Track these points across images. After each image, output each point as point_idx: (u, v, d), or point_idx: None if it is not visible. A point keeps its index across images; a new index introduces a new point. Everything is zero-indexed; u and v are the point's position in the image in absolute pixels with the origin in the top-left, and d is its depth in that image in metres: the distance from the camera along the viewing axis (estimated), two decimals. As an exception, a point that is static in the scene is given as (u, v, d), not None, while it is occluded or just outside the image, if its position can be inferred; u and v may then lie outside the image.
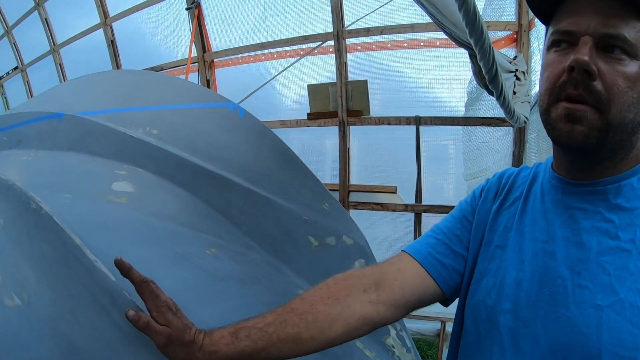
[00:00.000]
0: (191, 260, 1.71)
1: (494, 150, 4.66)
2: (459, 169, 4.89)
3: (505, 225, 1.08)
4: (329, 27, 4.77)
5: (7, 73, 10.21)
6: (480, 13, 4.23)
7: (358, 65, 4.97)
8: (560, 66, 0.88)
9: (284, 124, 5.32)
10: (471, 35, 2.06)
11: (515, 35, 4.37)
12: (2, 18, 9.75)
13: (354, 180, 5.26)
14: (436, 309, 4.87)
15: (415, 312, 4.21)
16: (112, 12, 7.05)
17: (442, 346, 5.03)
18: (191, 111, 2.42)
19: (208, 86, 5.90)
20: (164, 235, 1.87)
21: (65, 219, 1.48)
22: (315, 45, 4.79)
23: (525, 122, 3.61)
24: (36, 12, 8.49)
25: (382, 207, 4.99)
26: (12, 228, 1.59)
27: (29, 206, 1.59)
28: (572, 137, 0.87)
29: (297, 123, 5.27)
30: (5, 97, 10.75)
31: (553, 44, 0.92)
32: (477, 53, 2.28)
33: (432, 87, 4.85)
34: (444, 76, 4.70)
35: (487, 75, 2.50)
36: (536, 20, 4.00)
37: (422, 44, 4.61)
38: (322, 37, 4.81)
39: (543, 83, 0.94)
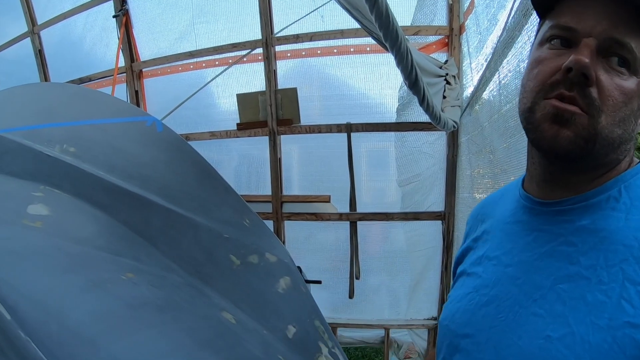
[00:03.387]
0: (105, 287, 1.68)
1: (427, 155, 4.75)
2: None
3: (477, 254, 1.09)
4: (258, 34, 4.79)
5: None
6: (411, 18, 4.31)
7: (289, 73, 5.00)
8: (553, 64, 0.86)
9: (213, 135, 5.31)
10: (385, 39, 2.07)
11: (446, 40, 4.45)
12: None
13: (295, 190, 5.30)
14: (378, 315, 4.91)
15: (358, 321, 4.24)
16: (40, 19, 6.92)
17: (387, 353, 5.12)
18: (110, 126, 2.39)
19: (137, 97, 5.85)
20: (78, 261, 1.85)
21: None
22: (244, 53, 4.84)
23: (454, 127, 3.66)
24: None
25: (317, 217, 5.02)
26: None
27: None
28: (556, 141, 0.83)
29: (227, 134, 5.26)
30: None
31: (549, 40, 0.89)
32: (394, 57, 2.27)
33: (364, 92, 4.91)
34: (375, 82, 4.77)
35: (407, 81, 2.50)
36: (467, 23, 4.09)
37: (352, 49, 4.67)
38: (251, 45, 4.84)
39: (530, 80, 0.90)
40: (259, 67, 4.95)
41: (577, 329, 0.78)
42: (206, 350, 1.65)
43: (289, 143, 5.16)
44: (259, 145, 5.31)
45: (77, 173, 2.24)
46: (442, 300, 4.94)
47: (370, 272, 5.15)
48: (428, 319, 5.07)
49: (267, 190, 5.28)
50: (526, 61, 1.05)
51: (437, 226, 4.82)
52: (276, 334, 1.97)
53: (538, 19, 0.99)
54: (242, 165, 5.72)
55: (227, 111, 5.42)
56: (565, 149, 0.83)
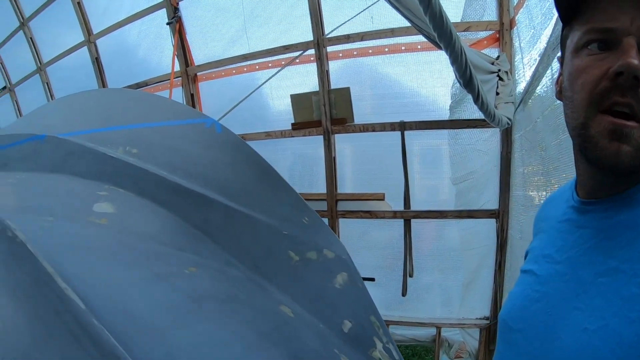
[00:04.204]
0: (169, 280, 1.79)
1: (481, 153, 4.73)
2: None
3: (534, 253, 1.12)
4: (309, 36, 4.88)
5: None
6: (461, 14, 4.31)
7: (341, 73, 5.05)
8: (596, 71, 0.82)
9: (269, 135, 5.43)
10: (440, 39, 2.11)
11: (497, 35, 4.42)
12: (-12, 38, 9.98)
13: (348, 188, 5.34)
14: (430, 314, 4.90)
15: (410, 319, 4.23)
16: (95, 29, 7.24)
17: (438, 352, 5.12)
18: (170, 129, 2.52)
19: (192, 100, 6.04)
20: (143, 255, 1.97)
21: (42, 245, 1.58)
22: (296, 55, 4.92)
23: (508, 124, 3.62)
24: (21, 31, 8.75)
25: (371, 214, 5.07)
26: None
27: (5, 234, 1.71)
28: (618, 157, 0.80)
29: (282, 134, 5.36)
30: None
31: (585, 45, 0.85)
32: (448, 57, 2.31)
33: (416, 90, 4.91)
34: (427, 79, 4.78)
35: (461, 80, 2.53)
36: (517, 17, 4.09)
37: (403, 48, 4.70)
38: (303, 46, 4.93)
39: (576, 92, 0.86)
40: (312, 68, 5.03)
41: (611, 322, 0.78)
42: (266, 341, 1.73)
43: (341, 142, 5.22)
44: (312, 144, 5.41)
45: (140, 173, 2.37)
46: (495, 300, 4.91)
47: (423, 270, 5.16)
48: (480, 319, 5.04)
49: (320, 188, 5.37)
50: (558, 73, 1.02)
51: (491, 224, 4.80)
52: (332, 328, 2.04)
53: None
54: (296, 164, 5.82)
55: (282, 111, 5.52)
56: (627, 164, 0.81)
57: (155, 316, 1.49)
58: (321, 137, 5.16)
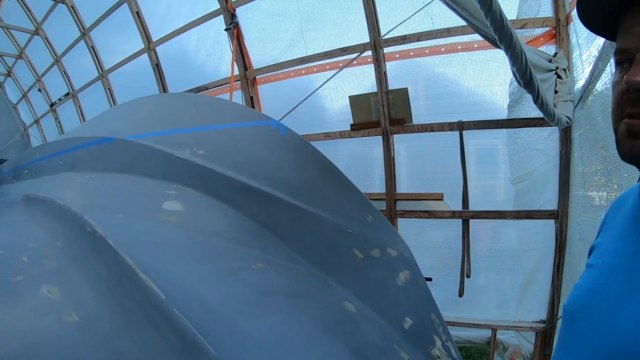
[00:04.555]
0: (238, 275, 1.88)
1: (540, 152, 4.68)
2: (508, 171, 4.97)
3: (600, 248, 1.19)
4: (365, 38, 4.96)
5: (60, 99, 11.14)
6: (515, 11, 4.32)
7: (398, 74, 5.09)
8: (619, 87, 0.93)
9: (328, 136, 5.53)
10: (501, 41, 2.17)
11: (553, 31, 4.38)
12: (51, 48, 10.47)
13: (403, 188, 5.38)
14: (486, 315, 4.88)
15: (465, 320, 4.24)
16: (154, 36, 7.57)
17: (493, 354, 5.09)
18: (235, 130, 2.66)
19: (252, 103, 6.21)
20: (212, 251, 2.09)
21: (118, 240, 1.74)
22: (354, 57, 5.01)
23: (567, 123, 3.61)
24: (82, 41, 9.22)
25: (429, 214, 5.10)
26: (69, 250, 1.86)
27: (84, 229, 1.87)
28: (632, 151, 0.92)
29: (341, 134, 5.45)
30: (59, 122, 11.65)
31: (617, 64, 0.95)
32: (508, 59, 2.35)
33: (473, 90, 4.92)
34: (484, 78, 4.77)
35: (521, 80, 2.56)
36: (574, 13, 4.07)
37: (459, 47, 4.71)
38: (360, 48, 5.01)
39: (612, 104, 0.98)
40: (369, 69, 5.10)
41: None
42: (329, 335, 1.83)
43: (396, 142, 5.26)
44: (367, 144, 5.49)
45: (207, 173, 2.52)
46: (552, 303, 4.84)
47: (479, 271, 5.13)
48: (536, 322, 4.97)
49: (374, 189, 5.45)
50: None
51: (550, 225, 4.73)
52: (394, 324, 2.11)
53: None
54: (351, 164, 5.88)
55: (340, 112, 5.61)
56: None
57: (227, 308, 1.64)
58: (376, 137, 5.23)
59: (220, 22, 6.33)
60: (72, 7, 9.02)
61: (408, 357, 1.88)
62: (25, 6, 10.47)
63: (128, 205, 2.50)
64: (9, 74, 13.96)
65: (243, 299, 1.74)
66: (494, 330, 5.08)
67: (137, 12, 7.55)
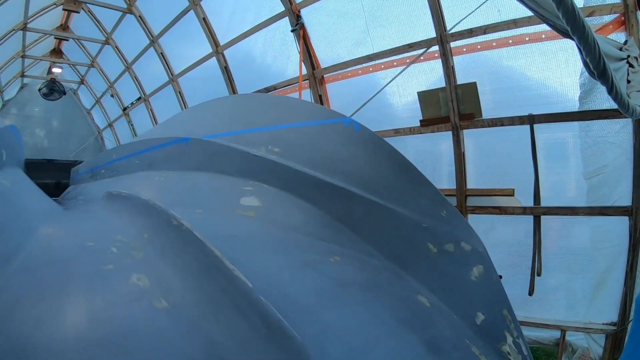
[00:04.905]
0: (316, 267, 2.02)
1: (613, 145, 4.55)
2: (579, 166, 4.83)
3: None
4: (431, 33, 4.99)
5: (132, 103, 11.82)
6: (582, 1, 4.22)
7: (465, 68, 5.08)
8: None
9: (397, 132, 5.58)
10: (573, 32, 2.17)
11: (622, 18, 4.23)
12: (121, 56, 10.96)
13: (472, 183, 5.34)
14: (555, 316, 4.76)
15: (534, 319, 4.17)
16: (221, 40, 7.90)
17: (561, 356, 4.94)
18: (309, 128, 2.79)
19: (320, 101, 6.34)
20: (291, 244, 2.21)
21: (202, 233, 1.88)
22: (421, 52, 5.05)
23: None
24: (152, 48, 9.73)
25: (500, 210, 5.04)
26: (156, 241, 2.00)
27: (170, 223, 2.01)
28: None
29: (410, 130, 5.48)
30: (132, 125, 12.29)
31: None
32: (582, 50, 2.33)
33: (542, 82, 4.82)
34: (553, 70, 4.68)
35: (595, 71, 2.53)
36: None
37: (527, 38, 4.65)
38: (427, 43, 5.04)
39: None
40: (437, 64, 5.12)
41: None
42: (404, 327, 1.90)
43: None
44: (435, 140, 5.51)
45: (283, 170, 2.65)
46: (624, 304, 4.64)
47: (549, 269, 5.01)
48: (607, 324, 4.78)
49: (442, 184, 5.42)
50: None
51: (624, 222, 4.55)
52: (466, 319, 2.15)
53: None
54: (419, 160, 5.78)
55: (408, 109, 5.62)
56: None
57: (307, 298, 1.75)
58: (443, 133, 5.24)
59: (285, 23, 6.53)
60: (140, 16, 9.56)
61: (479, 352, 1.95)
62: (95, 18, 11.09)
63: (206, 201, 2.67)
64: (82, 82, 14.75)
65: (322, 290, 1.88)
66: (563, 331, 4.95)
67: (204, 19, 7.92)
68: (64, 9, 10.34)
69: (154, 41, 9.66)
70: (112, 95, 13.06)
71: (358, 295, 1.93)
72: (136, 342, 1.53)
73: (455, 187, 5.28)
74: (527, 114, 4.74)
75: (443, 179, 5.43)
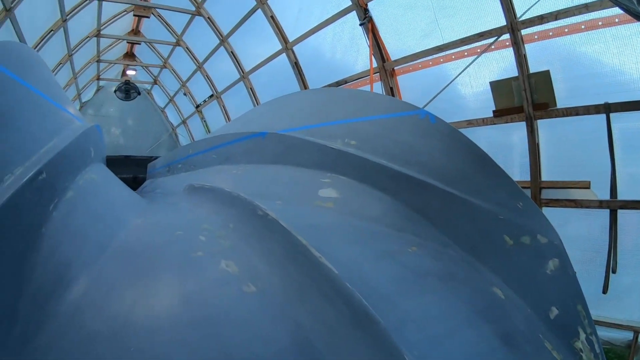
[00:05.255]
0: (395, 257, 2.09)
1: None
2: None
3: None
4: (501, 21, 4.93)
5: (204, 101, 12.31)
6: None
7: (537, 56, 4.98)
8: None
9: (470, 123, 5.55)
10: None
11: None
12: (192, 56, 11.34)
13: (545, 175, 5.23)
14: (630, 316, 4.59)
15: (607, 319, 4.06)
16: (290, 37, 8.09)
17: (632, 358, 4.78)
18: (385, 121, 2.84)
19: (392, 94, 6.39)
20: (369, 235, 2.29)
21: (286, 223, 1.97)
22: (492, 41, 5.02)
23: None
24: (222, 47, 10.07)
25: (575, 203, 4.92)
26: (242, 230, 2.13)
27: (255, 213, 2.13)
28: None
29: (483, 121, 5.43)
30: (205, 121, 12.67)
31: None
32: None
33: (618, 69, 4.64)
34: (629, 55, 4.49)
35: None
36: None
37: (600, 23, 4.51)
38: (497, 32, 4.99)
39: None
40: (508, 53, 5.05)
41: None
42: (479, 318, 1.94)
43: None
44: (506, 131, 5.42)
45: (360, 162, 2.72)
46: None
47: (625, 267, 4.82)
48: None
49: (514, 176, 5.13)
50: None
51: None
52: (539, 313, 2.17)
53: None
54: (490, 152, 5.59)
55: (480, 99, 5.56)
56: None
57: (387, 287, 1.83)
58: (514, 124, 5.17)
59: (353, 18, 6.61)
60: (208, 17, 9.92)
61: (551, 347, 1.98)
62: (165, 22, 11.62)
63: (285, 192, 2.77)
64: (155, 82, 15.38)
65: (400, 280, 1.95)
66: (636, 332, 4.78)
67: (272, 16, 8.12)
68: (134, 15, 11.01)
69: (223, 40, 9.98)
70: (184, 94, 13.60)
71: (435, 285, 1.99)
72: (227, 324, 1.63)
73: (528, 179, 5.18)
74: (602, 102, 4.60)
75: (515, 171, 5.33)
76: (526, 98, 4.94)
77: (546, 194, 5.17)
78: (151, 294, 1.79)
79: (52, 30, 8.19)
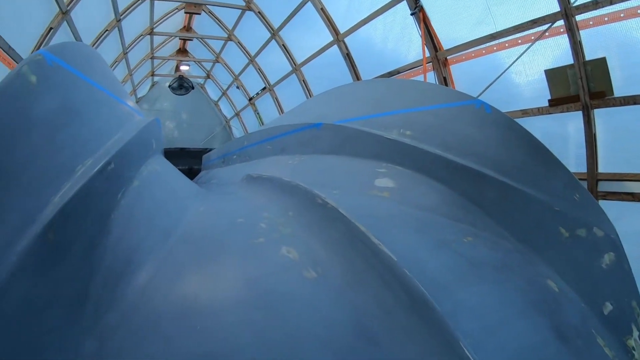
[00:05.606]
0: (451, 246, 2.12)
1: None
2: None
3: None
4: (555, 7, 4.85)
5: (257, 93, 12.61)
6: None
7: (593, 42, 4.85)
8: None
9: (525, 113, 5.44)
10: None
11: None
12: (244, 50, 11.56)
13: (601, 167, 5.09)
14: None
15: None
16: (341, 28, 8.15)
17: None
18: (440, 111, 2.85)
19: (445, 83, 6.36)
20: (426, 224, 2.31)
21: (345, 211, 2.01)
22: (546, 28, 4.96)
23: None
24: (273, 40, 10.25)
25: (633, 197, 4.80)
26: (301, 218, 2.20)
27: (314, 201, 2.20)
28: None
29: (538, 111, 5.32)
30: (258, 113, 12.96)
31: None
32: None
33: None
34: None
35: None
36: None
37: None
38: (551, 18, 4.91)
39: None
40: (563, 40, 4.95)
41: None
42: (533, 310, 1.93)
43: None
44: (561, 121, 5.30)
45: (416, 152, 2.74)
46: None
47: None
48: None
49: (569, 168, 5.10)
50: None
51: None
52: (593, 308, 2.15)
53: None
54: (544, 142, 5.58)
55: (534, 88, 5.46)
56: None
57: (443, 276, 1.90)
58: (569, 113, 5.07)
59: (404, 7, 6.60)
60: (259, 12, 10.11)
61: (603, 344, 1.97)
62: (216, 17, 11.87)
63: (341, 182, 2.83)
64: (208, 76, 15.74)
65: (456, 268, 1.98)
66: None
67: (322, 9, 8.21)
68: (185, 12, 11.33)
69: (274, 34, 10.14)
70: (237, 87, 13.89)
71: (490, 275, 2.00)
72: (289, 307, 1.72)
73: (584, 171, 5.07)
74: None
75: (571, 162, 5.19)
76: (582, 86, 4.82)
77: (603, 187, 5.05)
78: (216, 277, 1.88)
79: (107, 30, 8.56)
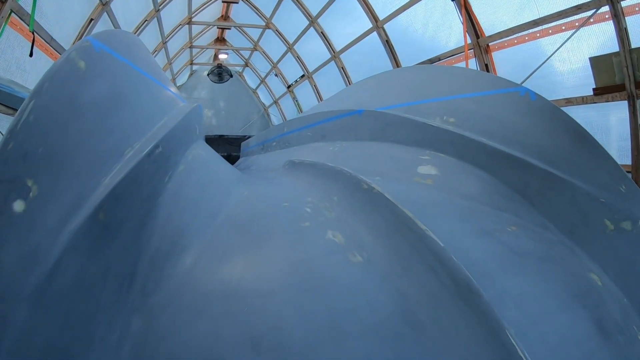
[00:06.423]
0: (494, 235, 2.06)
1: None
2: None
3: None
4: None
5: (296, 81, 12.70)
6: None
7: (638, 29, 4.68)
8: None
9: (569, 102, 5.33)
10: None
11: None
12: (283, 38, 11.65)
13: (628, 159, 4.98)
14: None
15: None
16: (380, 15, 8.13)
17: None
18: (484, 98, 2.79)
19: (487, 70, 6.31)
20: (469, 212, 2.26)
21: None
22: (590, 14, 4.85)
23: None
24: (312, 28, 10.28)
25: None
26: (346, 202, 2.17)
27: (359, 186, 2.17)
28: None
29: (582, 100, 5.19)
30: (296, 101, 13.07)
31: None
32: None
33: None
34: None
35: None
36: None
37: None
38: (595, 4, 4.79)
39: None
40: (608, 27, 4.83)
41: None
42: (576, 302, 1.86)
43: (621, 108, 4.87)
44: (604, 110, 5.19)
45: (459, 139, 2.69)
46: None
47: None
48: None
49: None
50: None
51: None
52: (636, 304, 2.08)
53: None
54: None
55: (577, 76, 5.35)
56: None
57: (487, 264, 1.89)
58: (613, 103, 4.95)
59: (445, -7, 6.51)
60: (297, 0, 10.10)
61: None
62: (254, 6, 12.00)
63: (384, 169, 2.79)
64: (246, 65, 15.85)
65: (500, 257, 1.93)
66: None
67: (361, -5, 8.11)
68: (223, 2, 11.45)
69: (313, 21, 10.19)
70: (276, 75, 14.00)
71: (533, 265, 1.97)
72: (335, 290, 1.72)
73: (629, 163, 4.95)
74: None
75: (614, 154, 5.04)
76: (628, 75, 4.67)
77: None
78: (262, 260, 1.90)
79: (146, 20, 8.78)
